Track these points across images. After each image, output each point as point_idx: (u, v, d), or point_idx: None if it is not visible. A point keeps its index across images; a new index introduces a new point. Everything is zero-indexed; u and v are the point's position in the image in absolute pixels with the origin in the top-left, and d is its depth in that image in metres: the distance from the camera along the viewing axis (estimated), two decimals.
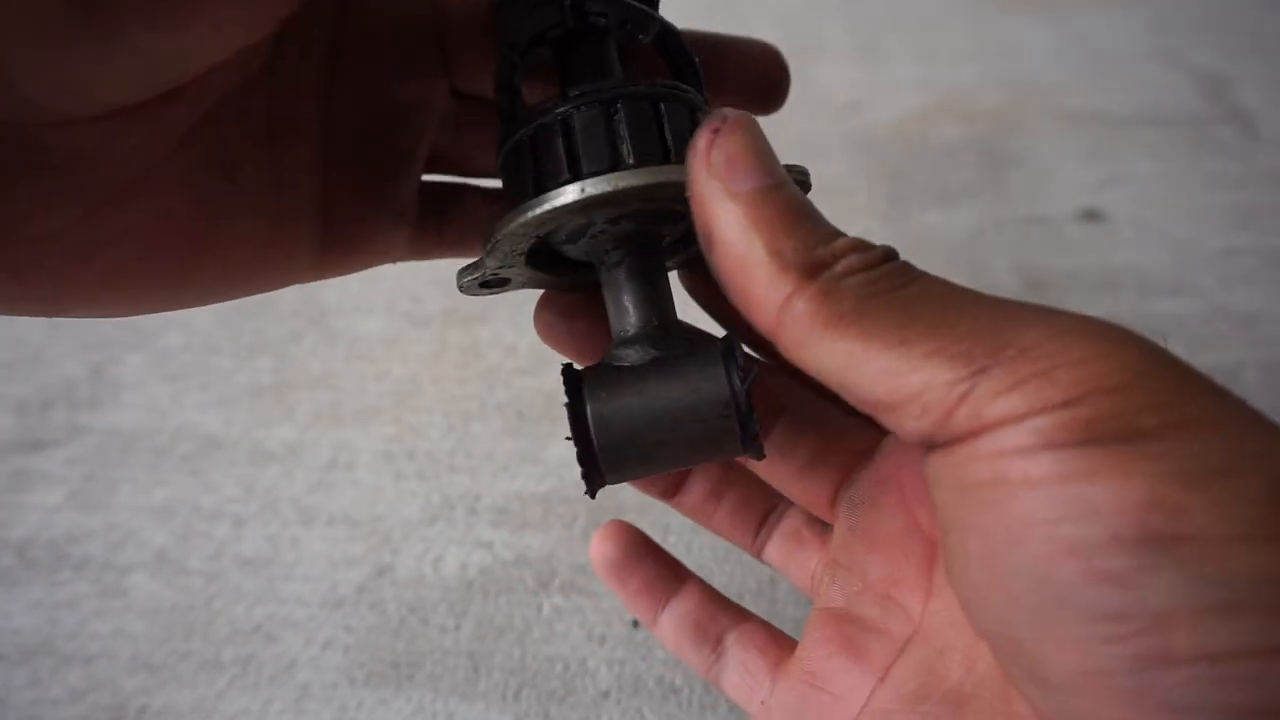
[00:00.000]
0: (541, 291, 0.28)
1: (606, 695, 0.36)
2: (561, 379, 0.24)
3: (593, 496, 0.24)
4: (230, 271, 0.23)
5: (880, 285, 0.18)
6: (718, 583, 0.40)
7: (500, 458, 0.46)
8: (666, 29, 0.25)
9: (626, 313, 0.24)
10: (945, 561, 0.19)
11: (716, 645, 0.29)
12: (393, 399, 0.49)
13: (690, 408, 0.23)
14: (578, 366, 0.24)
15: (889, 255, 0.19)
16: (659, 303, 0.25)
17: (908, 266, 0.19)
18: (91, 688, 0.37)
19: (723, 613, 0.29)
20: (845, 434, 0.28)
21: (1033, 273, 0.55)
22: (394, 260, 0.28)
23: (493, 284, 0.26)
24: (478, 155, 0.29)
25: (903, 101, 0.72)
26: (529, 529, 0.42)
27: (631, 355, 0.24)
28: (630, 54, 0.27)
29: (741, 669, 0.28)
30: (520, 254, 0.24)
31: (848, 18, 0.85)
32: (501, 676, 0.37)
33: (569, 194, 0.22)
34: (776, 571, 0.31)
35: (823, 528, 0.29)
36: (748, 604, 0.39)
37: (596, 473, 0.23)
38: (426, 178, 0.28)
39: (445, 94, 0.28)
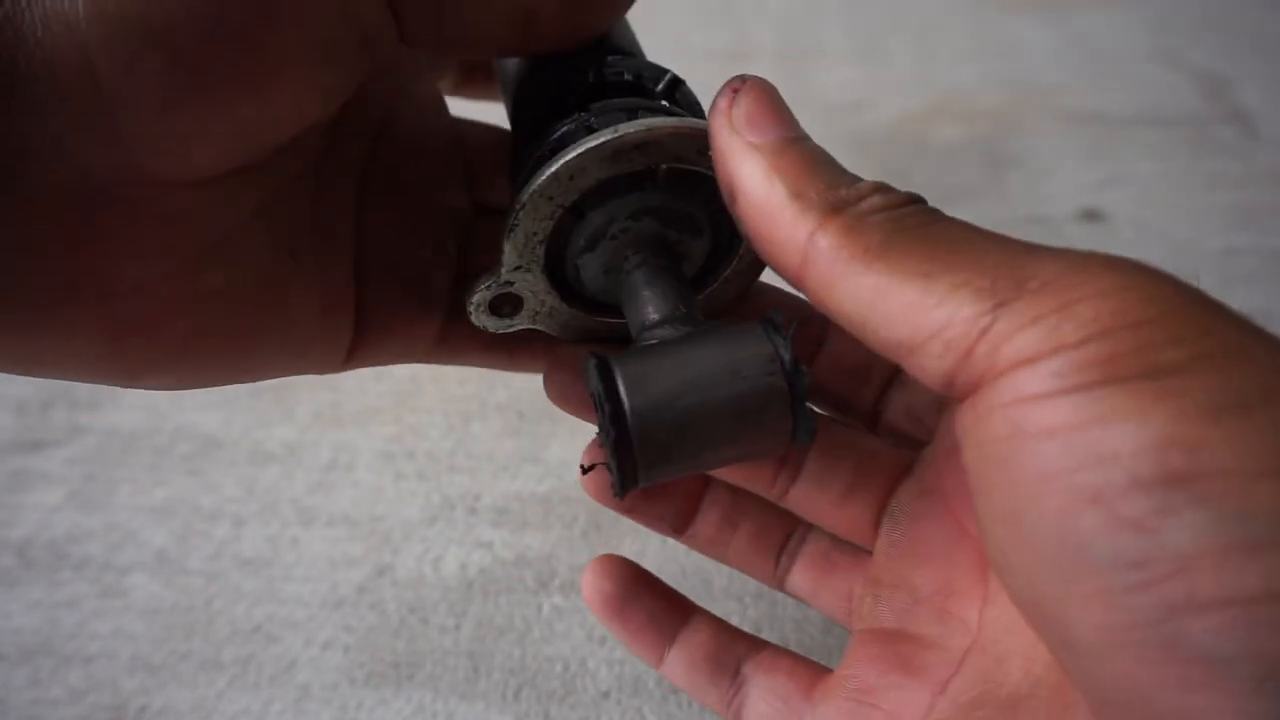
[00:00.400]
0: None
1: (606, 695, 0.36)
2: (587, 367, 0.21)
3: (622, 497, 0.21)
4: (285, 348, 0.24)
5: (907, 222, 0.18)
6: (717, 585, 0.40)
7: (500, 458, 0.46)
8: (676, 80, 0.26)
9: (650, 303, 0.23)
10: (979, 528, 0.18)
11: (735, 676, 0.28)
12: (393, 399, 0.49)
13: (731, 365, 0.20)
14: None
15: (914, 198, 0.19)
16: (685, 296, 0.23)
17: (935, 210, 0.19)
18: (91, 688, 0.37)
19: (736, 642, 0.28)
20: (880, 456, 0.27)
21: None
22: (425, 358, 0.28)
23: (503, 308, 0.25)
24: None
25: (903, 102, 0.72)
26: (529, 529, 0.42)
27: (660, 334, 0.22)
28: None
29: (770, 695, 0.27)
30: (540, 242, 0.23)
31: (847, 18, 0.85)
32: (501, 676, 0.37)
33: (603, 135, 0.21)
34: (804, 601, 0.29)
35: (854, 549, 0.28)
36: (748, 605, 0.39)
37: (629, 456, 0.20)
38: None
39: (467, 204, 0.30)
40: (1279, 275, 0.54)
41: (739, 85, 0.20)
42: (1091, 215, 0.59)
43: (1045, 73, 0.75)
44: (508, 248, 0.23)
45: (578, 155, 0.21)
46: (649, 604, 0.28)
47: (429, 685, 0.37)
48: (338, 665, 0.38)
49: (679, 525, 0.29)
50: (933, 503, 0.25)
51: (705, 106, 0.26)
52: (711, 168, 0.21)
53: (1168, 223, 0.58)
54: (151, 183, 0.19)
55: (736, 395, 0.20)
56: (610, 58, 0.25)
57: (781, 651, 0.28)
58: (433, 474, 0.45)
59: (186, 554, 0.42)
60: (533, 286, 0.24)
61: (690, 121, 0.22)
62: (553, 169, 0.21)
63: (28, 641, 0.39)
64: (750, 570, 0.29)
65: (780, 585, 0.29)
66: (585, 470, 0.22)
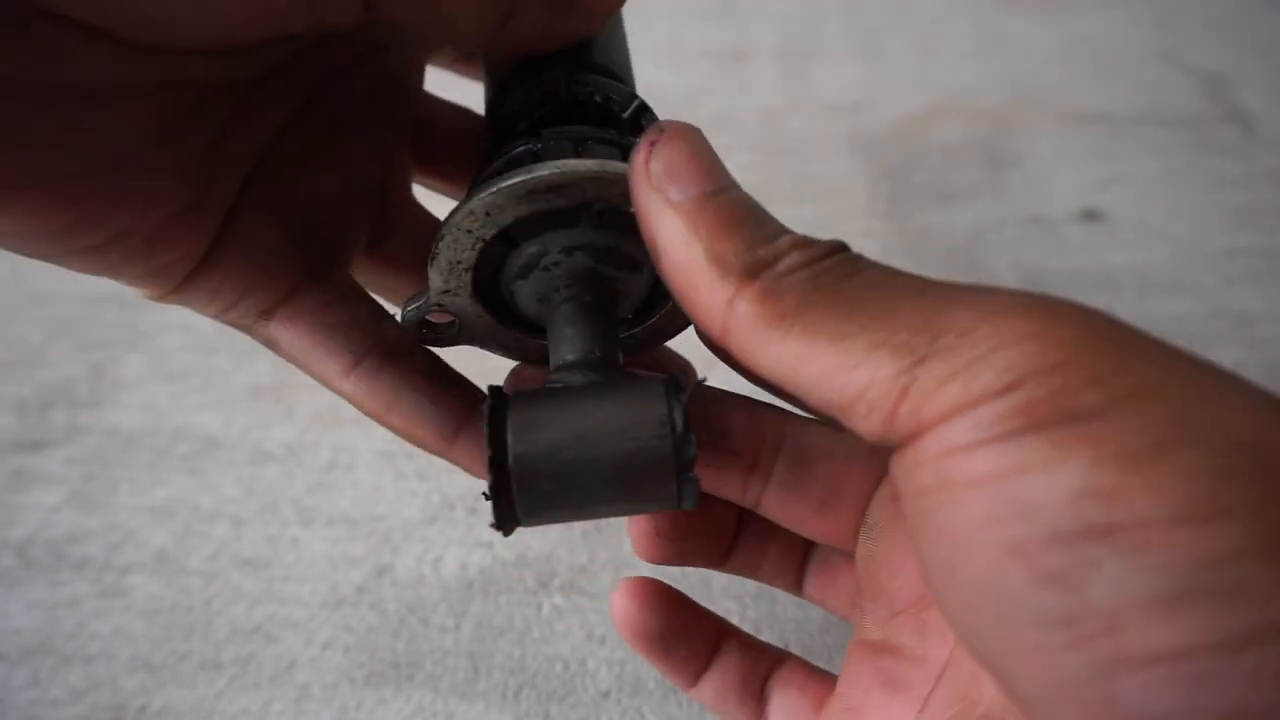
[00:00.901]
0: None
1: (606, 695, 0.36)
2: (486, 397, 0.21)
3: (499, 529, 0.21)
4: (127, 236, 0.22)
5: (824, 279, 0.18)
6: (717, 585, 0.40)
7: None
8: (644, 107, 0.25)
9: (569, 343, 0.23)
10: (924, 576, 0.18)
11: (760, 698, 0.27)
12: None
13: (622, 424, 0.20)
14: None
15: (835, 249, 0.19)
16: (604, 339, 0.23)
17: (855, 259, 0.19)
18: (91, 688, 0.37)
19: (761, 659, 0.28)
20: (857, 460, 0.25)
21: (1033, 273, 0.55)
22: (252, 312, 0.26)
23: (437, 330, 0.25)
24: (410, 265, 0.29)
25: (903, 101, 0.72)
26: (528, 529, 0.42)
27: (568, 378, 0.22)
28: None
29: (786, 714, 0.27)
30: (466, 270, 0.23)
31: (848, 18, 0.85)
32: (501, 676, 0.37)
33: (518, 175, 0.21)
34: (824, 609, 0.29)
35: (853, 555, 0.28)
36: (747, 605, 0.39)
37: (508, 499, 0.21)
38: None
39: (399, 194, 0.29)
40: (1279, 275, 0.54)
41: (657, 136, 0.20)
42: (1091, 215, 0.59)
43: (1045, 73, 0.75)
44: (432, 273, 0.23)
45: (492, 193, 0.21)
46: (687, 632, 0.27)
47: (429, 685, 0.37)
48: (338, 665, 0.38)
49: (715, 560, 0.28)
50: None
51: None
52: (647, 257, 0.21)
53: (1168, 223, 0.58)
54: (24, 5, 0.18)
55: (621, 455, 0.20)
56: (586, 75, 0.25)
57: (797, 665, 0.28)
58: (433, 474, 0.45)
59: (186, 554, 0.42)
60: (464, 309, 0.24)
61: (610, 166, 0.22)
62: (469, 204, 0.22)
63: (28, 641, 0.39)
64: (780, 585, 0.29)
65: (802, 594, 0.29)
66: (488, 497, 0.21)
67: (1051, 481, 0.14)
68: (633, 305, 0.26)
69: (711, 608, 0.39)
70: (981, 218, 0.60)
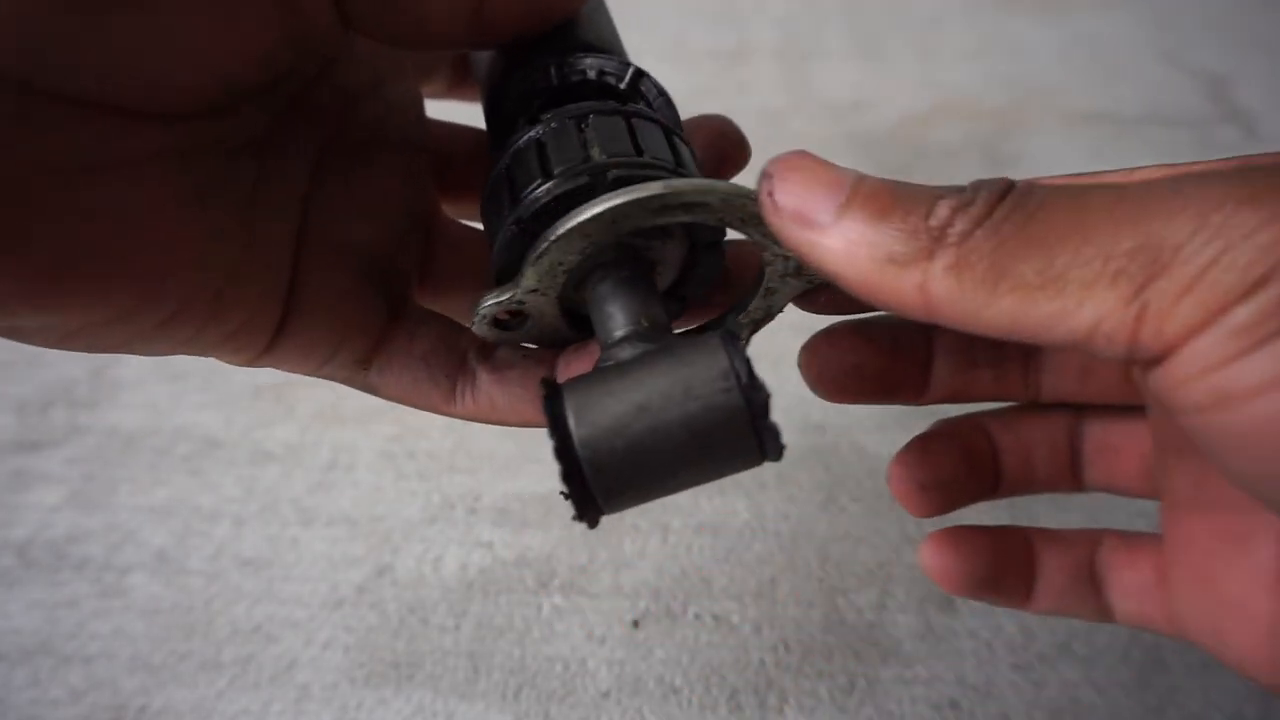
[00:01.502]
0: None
1: (606, 695, 0.36)
2: (541, 391, 0.21)
3: (590, 525, 0.20)
4: (189, 308, 0.22)
5: (1005, 232, 0.17)
6: (717, 585, 0.40)
7: (500, 458, 0.46)
8: (640, 73, 0.25)
9: (613, 318, 0.22)
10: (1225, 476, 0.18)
11: (1095, 585, 0.26)
12: None
13: (683, 384, 0.19)
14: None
15: (999, 194, 0.18)
16: (649, 308, 0.22)
17: (1024, 195, 0.17)
18: (91, 688, 0.37)
19: (1078, 547, 0.26)
20: None
21: None
22: (355, 368, 0.26)
23: (508, 322, 0.24)
24: (466, 283, 0.29)
25: (903, 102, 0.72)
26: (529, 529, 0.42)
27: (618, 354, 0.22)
28: None
29: (1128, 596, 0.25)
30: (565, 271, 0.22)
31: (848, 18, 0.85)
32: (501, 676, 0.37)
33: (651, 188, 0.20)
34: (1108, 492, 0.28)
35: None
36: (747, 605, 0.39)
37: (584, 486, 0.20)
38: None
39: (433, 207, 0.29)
40: None
41: (770, 185, 0.19)
42: None
43: (1046, 73, 0.75)
44: (530, 271, 0.22)
45: (624, 202, 0.20)
46: (1005, 559, 0.26)
47: (429, 685, 0.37)
48: (338, 665, 0.38)
49: (991, 488, 0.27)
50: None
51: (680, 102, 0.26)
52: (678, 223, 0.21)
53: None
54: (12, 86, 0.18)
55: (689, 417, 0.19)
56: (574, 57, 0.24)
57: (1116, 541, 0.26)
58: (433, 474, 0.45)
59: (186, 554, 0.42)
60: (543, 308, 0.24)
61: (742, 191, 0.21)
62: (597, 210, 0.21)
63: (28, 641, 0.39)
64: (1058, 486, 0.28)
65: (1085, 487, 0.27)
66: (567, 496, 0.20)
67: None
68: (674, 269, 0.25)
69: (711, 607, 0.39)
70: None
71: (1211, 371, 0.15)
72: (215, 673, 0.37)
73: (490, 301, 0.23)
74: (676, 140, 0.23)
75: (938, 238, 0.17)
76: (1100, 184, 0.17)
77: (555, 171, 0.21)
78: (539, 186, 0.21)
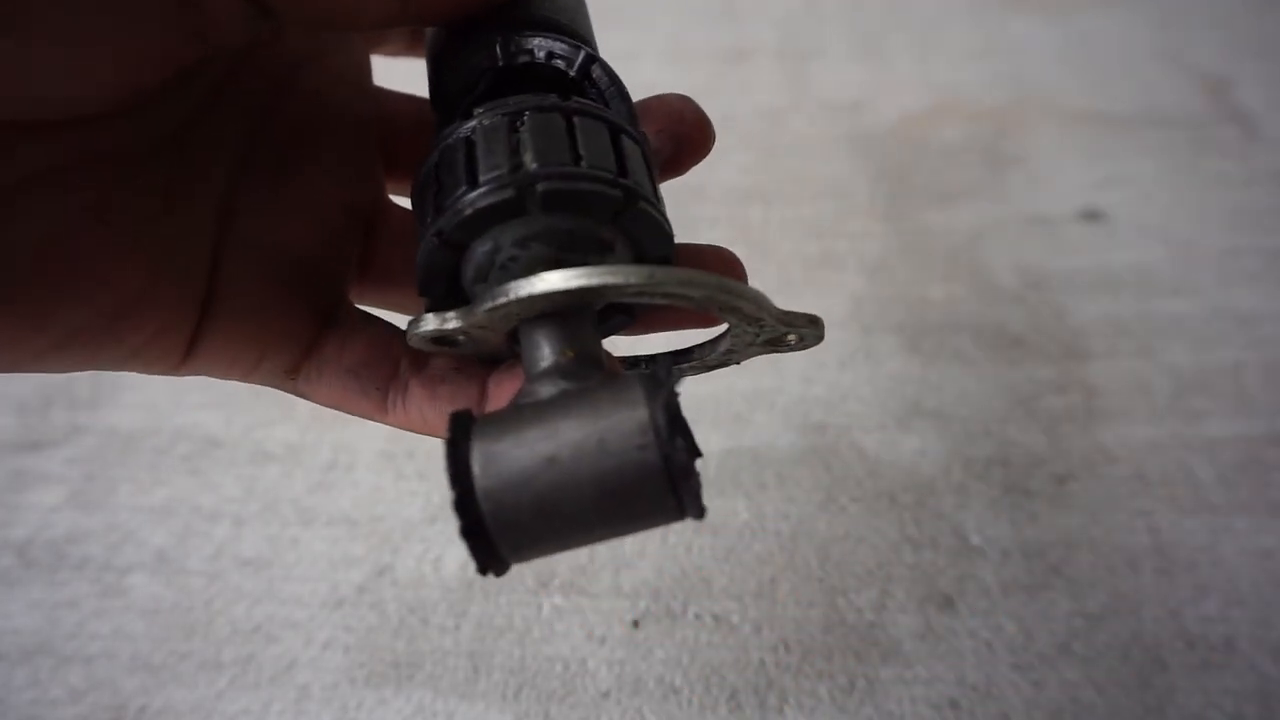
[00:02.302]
0: None
1: (606, 695, 0.36)
2: (449, 426, 0.19)
3: (485, 574, 0.18)
4: (85, 328, 0.21)
5: None
6: (717, 585, 0.40)
7: None
8: (591, 58, 0.23)
9: (539, 348, 0.20)
10: None
11: None
12: None
13: (597, 436, 0.18)
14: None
15: None
16: (578, 335, 0.20)
17: None
18: (91, 688, 0.37)
19: None
20: None
21: (1033, 273, 0.55)
22: (283, 376, 0.25)
23: (445, 343, 0.23)
24: (401, 282, 0.27)
25: (903, 102, 0.72)
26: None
27: (539, 390, 0.20)
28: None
29: None
30: (518, 318, 0.21)
31: (848, 18, 0.85)
32: (501, 676, 0.37)
33: (636, 273, 0.19)
34: None
35: None
36: (748, 605, 0.39)
37: (485, 539, 0.18)
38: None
39: (377, 195, 0.27)
40: (1279, 275, 0.54)
41: None
42: (1092, 215, 0.59)
43: (1046, 73, 0.75)
44: (482, 314, 0.21)
45: (602, 285, 0.19)
46: None
47: (429, 685, 0.37)
48: (338, 665, 0.38)
49: None
50: None
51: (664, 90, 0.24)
52: (614, 234, 0.20)
53: (1168, 223, 0.58)
54: None
55: (602, 474, 0.18)
56: (524, 34, 0.22)
57: None
58: (433, 474, 0.45)
59: (186, 554, 0.42)
60: (486, 340, 0.22)
61: (727, 286, 0.20)
62: (567, 286, 0.19)
63: (28, 641, 0.39)
64: None
65: None
66: (464, 538, 0.19)
67: None
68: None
69: (711, 607, 0.39)
70: (981, 218, 0.60)
71: None
72: (215, 673, 0.37)
73: (432, 327, 0.21)
74: (624, 140, 0.21)
75: None
76: None
77: (481, 179, 0.20)
78: (464, 194, 0.20)
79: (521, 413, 0.19)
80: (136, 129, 0.21)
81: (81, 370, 0.22)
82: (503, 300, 0.19)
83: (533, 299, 0.19)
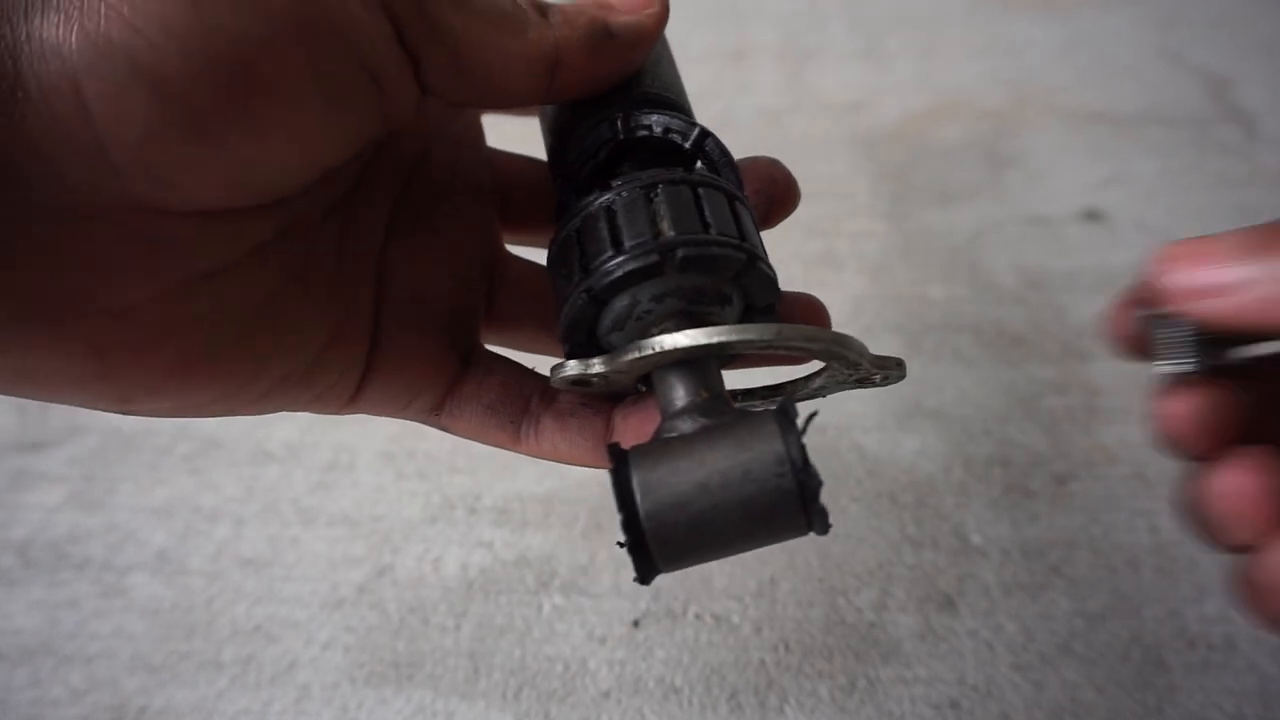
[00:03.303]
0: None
1: (607, 695, 0.36)
2: (609, 458, 0.22)
3: (643, 583, 0.22)
4: (286, 379, 0.24)
5: None
6: (717, 584, 0.40)
7: (500, 458, 0.46)
8: (705, 133, 0.26)
9: (674, 388, 0.24)
10: None
11: None
12: None
13: (742, 467, 0.21)
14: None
15: None
16: (708, 377, 0.24)
17: None
18: (92, 688, 0.37)
19: None
20: None
21: (1033, 273, 0.55)
22: (430, 413, 0.27)
23: (583, 383, 0.26)
24: (528, 319, 0.30)
25: (904, 102, 0.72)
26: (529, 529, 0.42)
27: (680, 426, 0.23)
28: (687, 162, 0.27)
29: None
30: (641, 370, 0.24)
31: (848, 18, 0.85)
32: (502, 676, 0.37)
33: (766, 331, 0.22)
34: None
35: None
36: (748, 605, 0.39)
37: (646, 554, 0.21)
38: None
39: (499, 243, 0.30)
40: None
41: (1163, 275, 0.22)
42: (1092, 215, 0.59)
43: (1046, 72, 0.75)
44: (625, 363, 0.23)
45: (734, 340, 0.22)
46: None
47: (429, 685, 0.37)
48: (338, 665, 0.38)
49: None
50: None
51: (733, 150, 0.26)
52: (739, 292, 0.24)
53: (1169, 223, 0.58)
54: (142, 209, 0.19)
55: (747, 498, 0.21)
56: (640, 111, 0.25)
57: None
58: (433, 474, 0.45)
59: (187, 554, 0.42)
60: (620, 383, 0.25)
61: (840, 340, 0.23)
62: (704, 342, 0.22)
63: (28, 641, 0.39)
64: None
65: None
66: (626, 549, 0.22)
67: None
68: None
69: (712, 607, 0.39)
70: (982, 218, 0.60)
71: None
72: (216, 673, 0.37)
73: (576, 373, 0.24)
74: (739, 207, 0.24)
75: None
76: None
77: (626, 245, 0.23)
78: (611, 260, 0.23)
79: (670, 445, 0.22)
80: (315, 198, 0.24)
81: (273, 413, 0.25)
82: (649, 353, 0.22)
83: (675, 351, 0.22)
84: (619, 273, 0.22)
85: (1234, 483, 0.23)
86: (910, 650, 0.37)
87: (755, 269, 0.24)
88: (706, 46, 0.80)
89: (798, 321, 0.27)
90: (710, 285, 0.24)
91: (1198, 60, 0.75)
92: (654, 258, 0.22)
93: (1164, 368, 0.24)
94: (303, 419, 0.48)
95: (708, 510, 0.21)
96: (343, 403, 0.26)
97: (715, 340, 0.22)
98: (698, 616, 0.39)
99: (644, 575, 0.22)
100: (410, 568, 0.41)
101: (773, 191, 0.29)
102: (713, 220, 0.23)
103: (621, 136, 0.25)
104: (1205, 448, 0.24)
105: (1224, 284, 0.21)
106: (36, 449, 0.48)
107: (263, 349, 0.23)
